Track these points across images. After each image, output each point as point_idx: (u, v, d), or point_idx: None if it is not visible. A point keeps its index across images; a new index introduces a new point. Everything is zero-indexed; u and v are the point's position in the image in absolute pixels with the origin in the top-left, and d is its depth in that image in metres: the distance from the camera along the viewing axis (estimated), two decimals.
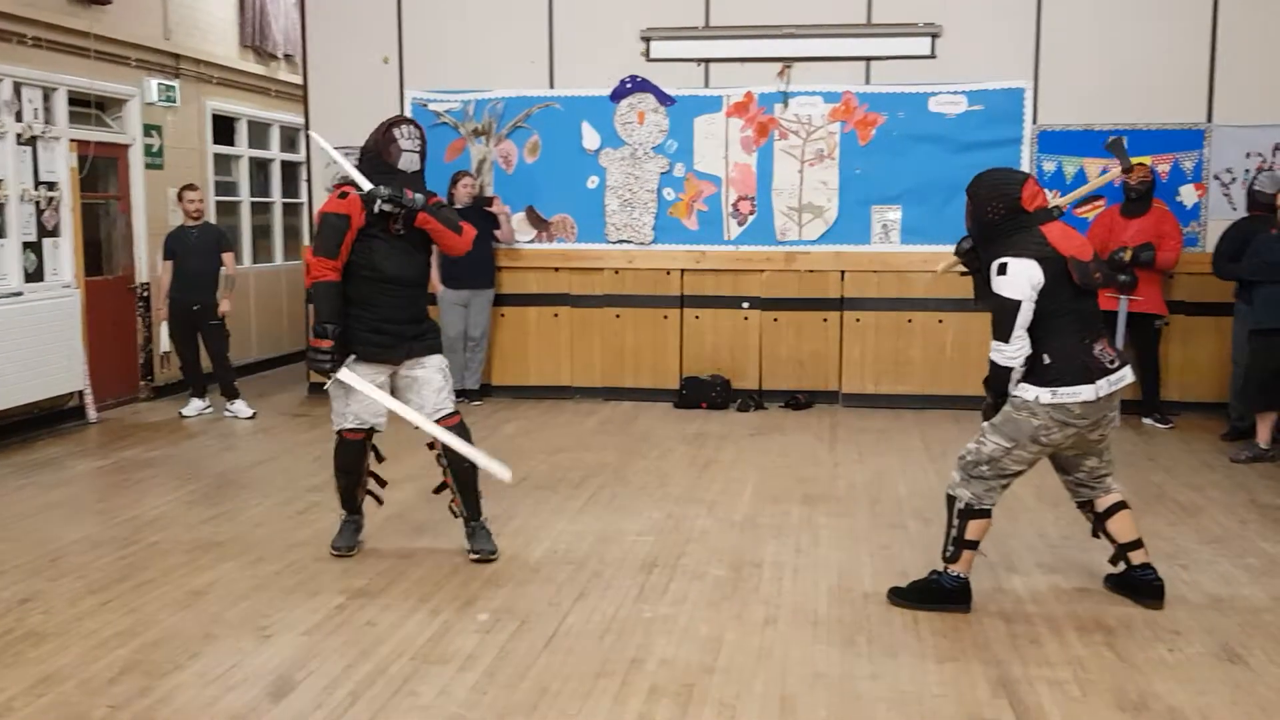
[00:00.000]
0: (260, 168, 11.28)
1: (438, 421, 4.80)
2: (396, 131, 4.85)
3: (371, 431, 4.96)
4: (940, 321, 8.73)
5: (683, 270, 8.98)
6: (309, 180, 9.55)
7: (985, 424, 4.31)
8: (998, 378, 4.21)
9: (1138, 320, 7.98)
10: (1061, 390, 4.11)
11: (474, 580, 4.68)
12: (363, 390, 4.75)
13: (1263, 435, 6.93)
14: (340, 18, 9.24)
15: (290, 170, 11.56)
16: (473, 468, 4.84)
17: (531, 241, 9.14)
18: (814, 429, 8.01)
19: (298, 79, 10.14)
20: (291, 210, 11.57)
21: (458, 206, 8.74)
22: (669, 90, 8.91)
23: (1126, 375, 4.23)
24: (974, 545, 4.32)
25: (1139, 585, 4.43)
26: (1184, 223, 8.28)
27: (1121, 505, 4.42)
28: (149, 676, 3.73)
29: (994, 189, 4.25)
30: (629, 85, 8.96)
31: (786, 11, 8.71)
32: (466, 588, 4.59)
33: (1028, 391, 4.16)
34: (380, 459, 5.18)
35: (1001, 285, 4.12)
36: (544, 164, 9.10)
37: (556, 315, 9.14)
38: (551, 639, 4.04)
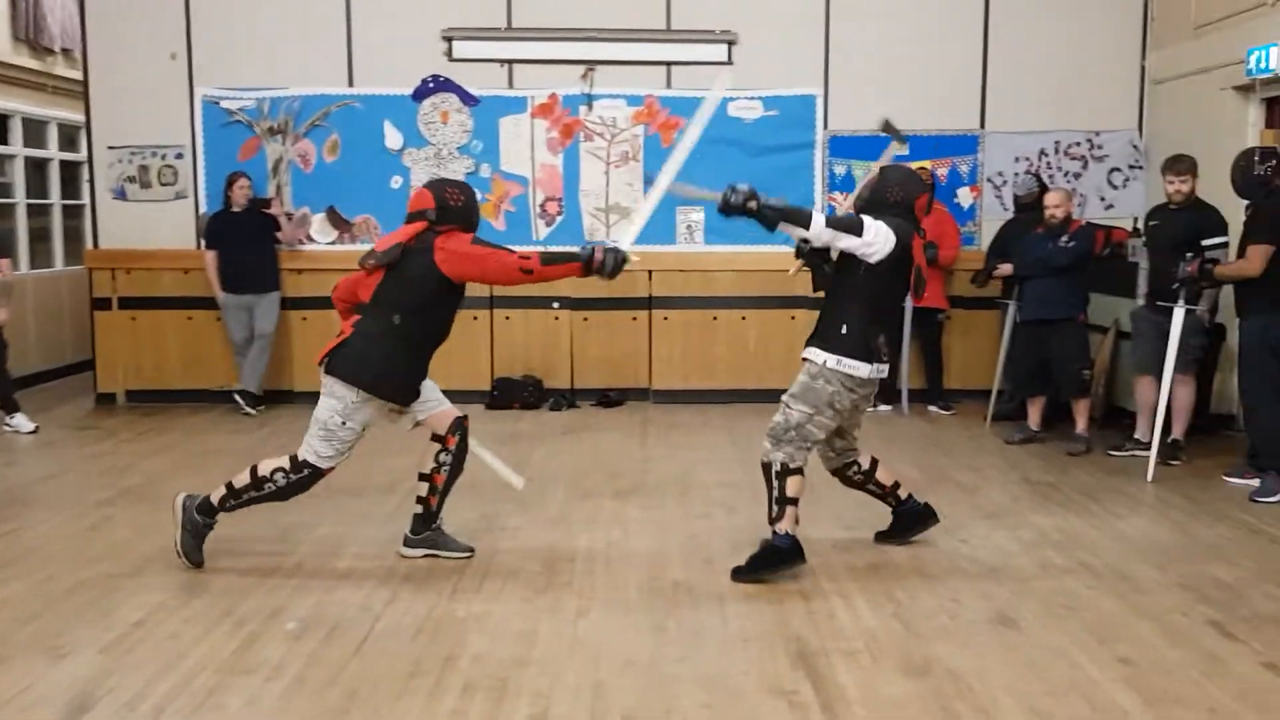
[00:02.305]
0: (37, 168, 10.63)
1: (456, 420, 4.96)
2: None
3: None
4: (744, 318, 9.05)
5: None
6: (91, 181, 9.09)
7: (787, 395, 4.77)
8: (794, 219, 4.53)
9: (922, 314, 8.50)
10: (846, 361, 4.68)
11: (280, 590, 4.59)
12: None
13: (1034, 419, 7.49)
14: (123, 11, 8.82)
15: (70, 171, 10.95)
16: (460, 475, 4.99)
17: (333, 243, 8.97)
18: (625, 426, 8.18)
19: (78, 74, 9.63)
20: (72, 213, 10.96)
21: (234, 209, 8.53)
22: (473, 90, 8.91)
23: (885, 369, 4.84)
24: (794, 502, 4.69)
25: (914, 514, 5.19)
26: (961, 223, 8.87)
27: (876, 460, 5.16)
28: None
29: (904, 181, 4.91)
30: (431, 85, 8.91)
31: (588, 15, 8.83)
32: (272, 597, 4.50)
33: (818, 355, 4.72)
34: None
35: (869, 224, 4.60)
36: (345, 164, 8.95)
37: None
38: (363, 643, 4.02)
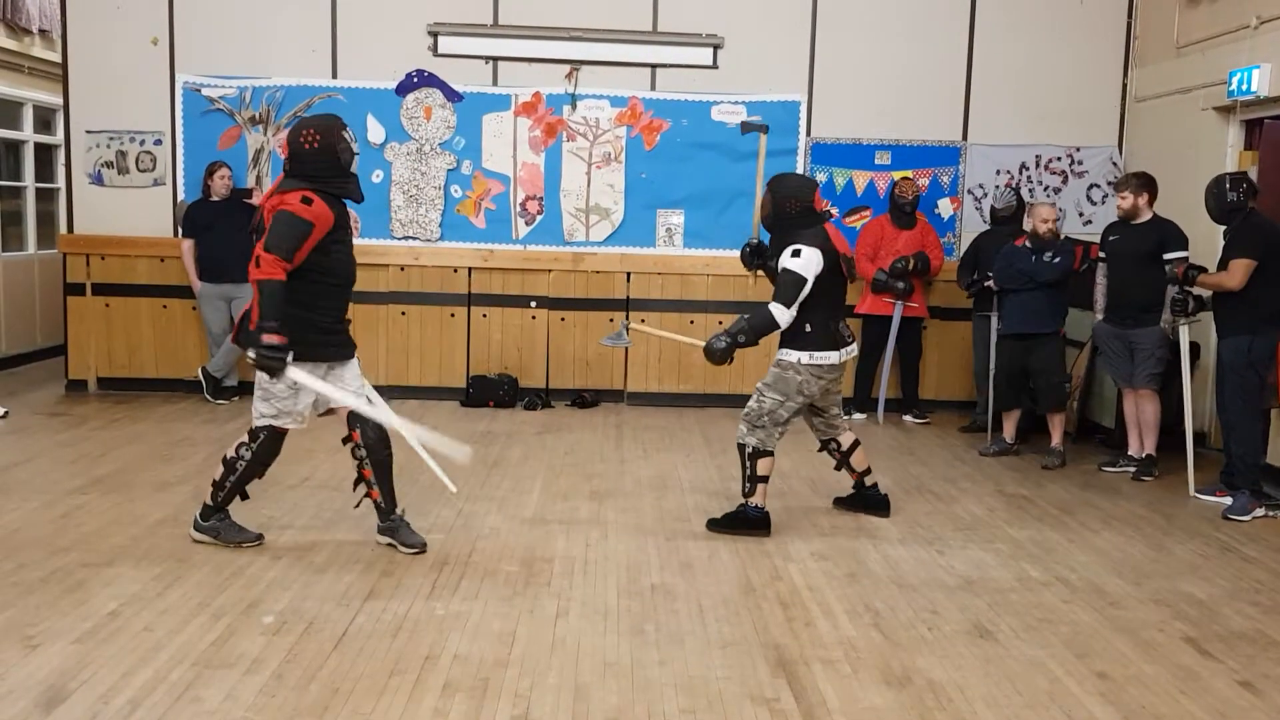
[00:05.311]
0: (11, 150, 10.48)
1: (351, 414, 4.92)
2: (347, 134, 4.79)
3: None
4: (720, 323, 9.02)
5: (470, 268, 8.95)
6: (67, 165, 8.97)
7: (760, 384, 5.37)
8: (766, 328, 5.25)
9: (906, 323, 8.54)
10: (816, 355, 5.29)
11: (257, 583, 4.54)
12: (313, 386, 4.73)
13: (1008, 431, 7.53)
14: None
15: (45, 153, 10.80)
16: (390, 457, 5.00)
17: None
18: (600, 427, 8.16)
19: (56, 56, 9.49)
20: (46, 196, 10.80)
21: (214, 199, 8.45)
22: (457, 86, 8.87)
23: (854, 348, 5.49)
24: (765, 479, 5.37)
25: (871, 500, 5.82)
26: (941, 234, 8.91)
27: (858, 443, 5.75)
28: None
29: (796, 189, 5.36)
30: (415, 79, 8.86)
31: (574, 14, 8.82)
32: (249, 590, 4.45)
33: (791, 355, 5.30)
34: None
35: (794, 264, 5.18)
36: None
37: None
38: (341, 639, 3.99)
